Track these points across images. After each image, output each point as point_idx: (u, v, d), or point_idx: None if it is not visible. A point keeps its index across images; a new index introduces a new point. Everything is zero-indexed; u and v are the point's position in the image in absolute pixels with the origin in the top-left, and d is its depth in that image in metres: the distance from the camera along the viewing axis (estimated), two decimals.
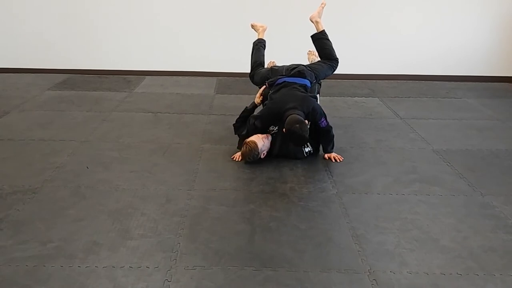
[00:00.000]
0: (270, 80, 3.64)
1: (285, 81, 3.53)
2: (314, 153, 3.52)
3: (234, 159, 3.41)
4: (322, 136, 3.51)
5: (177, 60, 5.94)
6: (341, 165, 3.38)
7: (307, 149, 3.45)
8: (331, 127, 3.46)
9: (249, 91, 5.17)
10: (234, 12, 5.73)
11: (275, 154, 3.44)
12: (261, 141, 3.33)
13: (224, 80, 5.80)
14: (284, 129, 3.23)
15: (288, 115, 3.22)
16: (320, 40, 3.83)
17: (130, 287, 2.06)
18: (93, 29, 5.81)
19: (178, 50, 5.90)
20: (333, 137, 3.49)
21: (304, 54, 4.37)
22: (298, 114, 3.22)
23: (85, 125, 4.09)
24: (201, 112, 4.55)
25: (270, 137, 3.42)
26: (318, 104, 3.47)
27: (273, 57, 4.28)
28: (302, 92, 3.45)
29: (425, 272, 2.21)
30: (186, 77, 5.87)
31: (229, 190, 2.98)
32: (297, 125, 3.12)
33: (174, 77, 5.88)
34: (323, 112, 3.42)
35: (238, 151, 3.44)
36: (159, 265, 2.21)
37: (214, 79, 5.83)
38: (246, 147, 3.30)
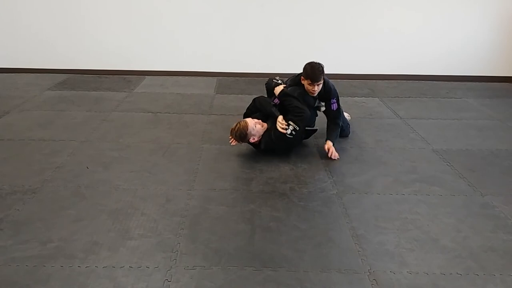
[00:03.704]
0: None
1: None
2: (298, 131, 3.37)
3: (232, 143, 3.50)
4: (330, 121, 3.61)
5: (177, 60, 5.94)
6: (341, 165, 3.38)
7: (289, 130, 3.34)
8: (340, 115, 3.57)
9: (249, 91, 5.18)
10: (234, 12, 5.72)
11: (262, 149, 3.48)
12: (253, 124, 3.41)
13: (224, 80, 5.80)
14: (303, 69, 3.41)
15: None
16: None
17: (130, 287, 2.07)
18: (93, 29, 5.81)
19: (178, 50, 5.90)
20: (339, 128, 3.59)
21: (304, 59, 4.08)
22: None
23: (85, 125, 4.09)
24: (201, 112, 4.55)
25: (265, 126, 3.47)
26: (334, 86, 3.58)
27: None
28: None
29: (425, 272, 2.21)
30: (186, 77, 5.87)
31: (229, 190, 2.98)
32: (313, 62, 3.37)
33: (174, 77, 5.87)
34: (337, 95, 3.56)
35: (239, 143, 3.50)
36: (159, 265, 2.21)
37: (214, 79, 5.83)
38: (236, 125, 3.41)
